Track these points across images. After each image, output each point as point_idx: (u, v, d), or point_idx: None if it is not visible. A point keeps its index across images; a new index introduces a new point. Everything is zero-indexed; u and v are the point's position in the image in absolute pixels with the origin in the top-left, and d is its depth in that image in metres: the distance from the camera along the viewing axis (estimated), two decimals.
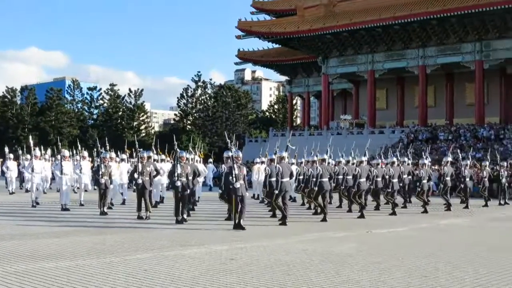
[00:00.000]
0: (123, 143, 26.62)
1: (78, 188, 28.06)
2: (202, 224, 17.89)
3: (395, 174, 23.94)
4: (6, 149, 35.25)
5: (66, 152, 24.21)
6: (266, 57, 75.32)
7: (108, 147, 23.13)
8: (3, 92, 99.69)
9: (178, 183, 17.82)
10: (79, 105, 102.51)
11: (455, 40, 57.27)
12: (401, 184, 25.09)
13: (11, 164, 33.82)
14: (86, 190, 26.27)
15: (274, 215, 20.34)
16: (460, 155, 33.12)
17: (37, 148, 26.90)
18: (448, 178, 26.23)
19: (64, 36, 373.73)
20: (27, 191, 30.36)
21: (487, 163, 30.55)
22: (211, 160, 43.10)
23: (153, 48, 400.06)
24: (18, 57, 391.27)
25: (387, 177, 23.64)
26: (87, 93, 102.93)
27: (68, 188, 22.98)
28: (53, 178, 31.12)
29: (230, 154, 18.62)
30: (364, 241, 14.76)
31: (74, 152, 30.71)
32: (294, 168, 22.34)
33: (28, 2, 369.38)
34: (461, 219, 22.26)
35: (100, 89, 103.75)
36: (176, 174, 17.91)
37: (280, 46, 71.37)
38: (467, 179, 27.60)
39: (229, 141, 18.10)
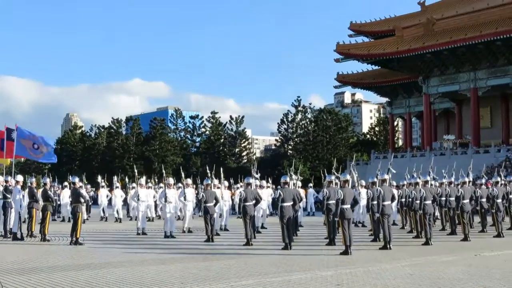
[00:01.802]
0: (225, 170, 26.85)
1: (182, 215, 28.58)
2: (306, 249, 17.86)
3: (499, 194, 23.23)
4: (115, 178, 36.20)
5: (171, 180, 24.71)
6: (366, 79, 74.83)
7: (211, 174, 23.38)
8: (109, 123, 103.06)
9: (285, 209, 17.86)
10: (182, 133, 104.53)
11: None
12: (506, 205, 24.31)
13: (117, 192, 34.76)
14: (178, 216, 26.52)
15: (375, 239, 20.08)
16: None
17: (142, 177, 27.54)
18: None
19: (166, 66, 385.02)
20: (132, 219, 31.07)
21: None
22: (311, 184, 42.91)
23: (252, 75, 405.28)
24: (122, 88, 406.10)
25: (491, 197, 23.00)
26: (189, 122, 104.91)
27: (173, 216, 23.35)
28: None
29: (332, 178, 18.60)
30: (472, 264, 14.37)
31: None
32: (395, 191, 21.99)
33: (129, 36, 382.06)
34: None
35: (202, 117, 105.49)
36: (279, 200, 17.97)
37: (379, 67, 70.87)
38: None
39: (352, 169, 18.09)
